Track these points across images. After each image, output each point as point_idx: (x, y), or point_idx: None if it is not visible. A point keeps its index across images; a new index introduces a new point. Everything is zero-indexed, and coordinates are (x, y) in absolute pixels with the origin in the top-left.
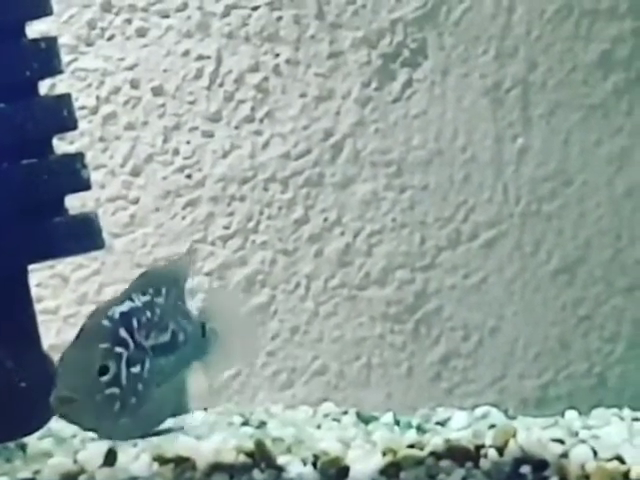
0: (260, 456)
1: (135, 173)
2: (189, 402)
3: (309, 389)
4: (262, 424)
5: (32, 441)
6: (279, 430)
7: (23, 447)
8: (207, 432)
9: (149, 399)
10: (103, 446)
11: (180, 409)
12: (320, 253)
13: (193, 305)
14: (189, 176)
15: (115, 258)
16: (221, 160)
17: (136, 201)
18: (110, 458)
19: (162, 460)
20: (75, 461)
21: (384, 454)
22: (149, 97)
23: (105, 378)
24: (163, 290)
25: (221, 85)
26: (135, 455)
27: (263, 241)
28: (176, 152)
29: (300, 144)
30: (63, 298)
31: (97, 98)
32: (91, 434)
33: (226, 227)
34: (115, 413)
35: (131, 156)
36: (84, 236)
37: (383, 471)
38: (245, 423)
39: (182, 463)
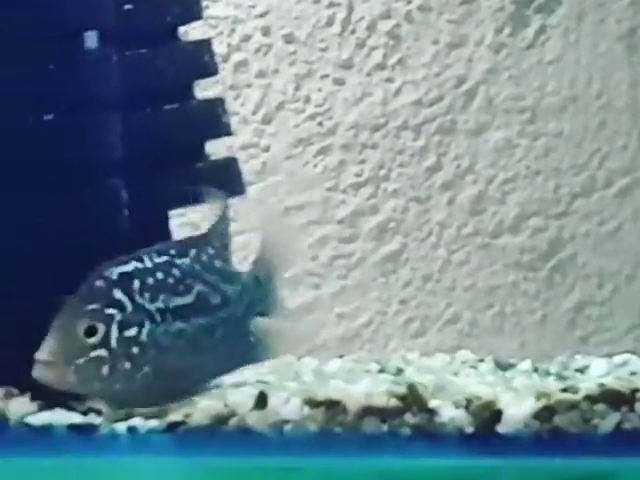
0: (412, 400)
1: (267, 121)
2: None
3: (442, 337)
4: (399, 371)
5: None
6: (418, 377)
7: None
8: (345, 379)
9: (161, 363)
10: (254, 389)
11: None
12: (453, 201)
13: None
14: (320, 124)
15: (247, 206)
16: (353, 107)
17: (267, 149)
18: (261, 401)
19: (313, 403)
20: (226, 404)
21: (537, 398)
22: (280, 44)
23: (92, 340)
24: (192, 252)
25: (353, 32)
26: (286, 398)
27: (395, 189)
28: (307, 100)
29: (432, 91)
30: None
31: (228, 46)
32: None
33: (358, 175)
34: (103, 377)
35: (262, 104)
36: (225, 182)
37: (536, 415)
38: (382, 370)
39: (333, 407)
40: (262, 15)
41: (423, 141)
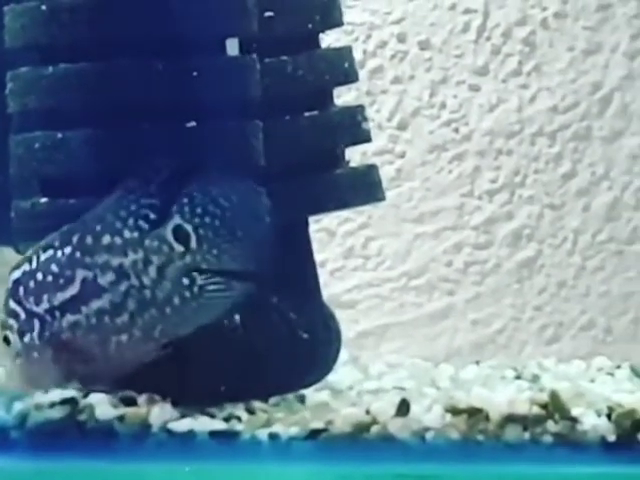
0: (554, 408)
1: (402, 127)
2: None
3: (576, 344)
4: (535, 378)
5: (309, 393)
6: (554, 384)
7: (302, 399)
8: (482, 386)
9: (64, 359)
10: (395, 397)
11: None
12: (588, 207)
13: None
14: (456, 130)
15: (381, 212)
16: (488, 114)
17: (403, 155)
18: (403, 409)
19: (455, 411)
20: (367, 412)
21: None
22: (416, 51)
23: (10, 349)
24: (74, 238)
25: (488, 39)
26: (428, 406)
27: (530, 195)
28: (443, 106)
29: (568, 97)
30: (330, 252)
31: (364, 52)
32: None
33: (493, 181)
34: (30, 382)
35: (398, 110)
36: (365, 188)
37: None
38: (518, 377)
39: (475, 414)
40: (398, 22)
41: (558, 147)
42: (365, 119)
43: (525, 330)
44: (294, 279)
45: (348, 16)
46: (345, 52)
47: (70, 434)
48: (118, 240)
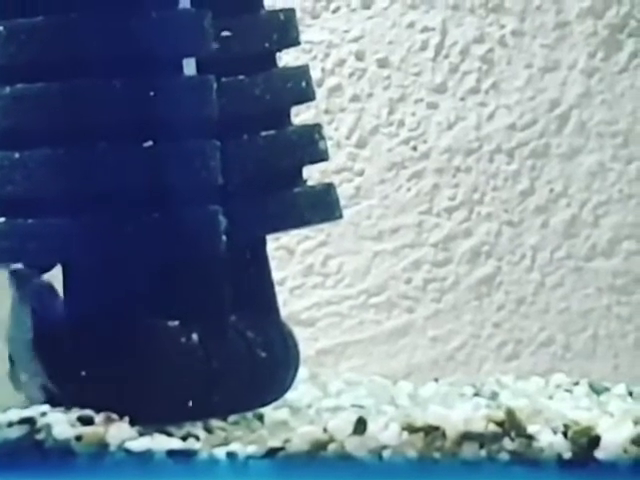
0: (510, 425)
1: (360, 145)
2: None
3: (535, 360)
4: (494, 395)
5: (268, 411)
6: (512, 401)
7: (260, 417)
8: (440, 403)
9: None
10: (352, 415)
11: None
12: (546, 224)
13: None
14: (414, 148)
15: (340, 230)
16: (446, 131)
17: (361, 173)
18: (360, 427)
19: (412, 429)
20: (325, 430)
21: (636, 423)
22: (374, 69)
23: None
24: None
25: (446, 57)
26: (385, 424)
27: (488, 212)
28: (401, 124)
29: (526, 115)
30: (289, 270)
31: (322, 70)
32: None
33: (451, 198)
34: None
35: (356, 128)
36: (323, 206)
37: (635, 440)
38: (476, 394)
39: (432, 432)
40: (356, 40)
41: (516, 165)
42: (322, 137)
43: (484, 347)
44: (252, 298)
45: (306, 34)
46: (302, 71)
47: (28, 453)
48: None
